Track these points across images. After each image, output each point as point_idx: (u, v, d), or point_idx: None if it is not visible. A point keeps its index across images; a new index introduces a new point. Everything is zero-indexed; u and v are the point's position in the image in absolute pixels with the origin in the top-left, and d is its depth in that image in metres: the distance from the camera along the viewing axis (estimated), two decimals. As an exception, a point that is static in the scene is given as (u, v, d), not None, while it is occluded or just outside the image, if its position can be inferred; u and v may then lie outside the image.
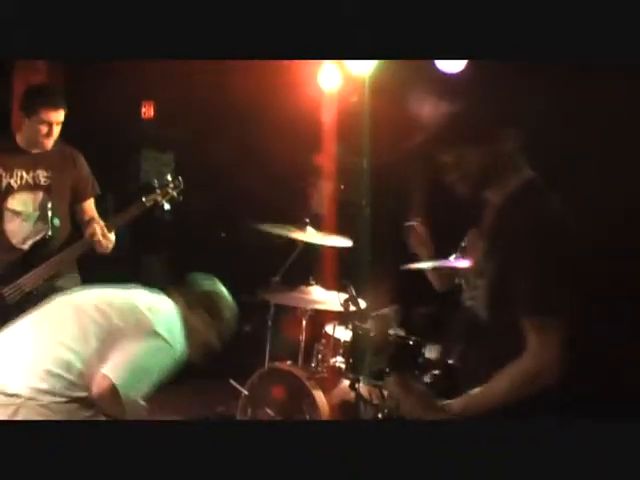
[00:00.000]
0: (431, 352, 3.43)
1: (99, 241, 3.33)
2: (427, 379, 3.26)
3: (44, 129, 3.30)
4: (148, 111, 4.55)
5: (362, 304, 3.54)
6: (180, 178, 3.53)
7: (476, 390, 2.05)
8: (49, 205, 3.43)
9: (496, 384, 2.00)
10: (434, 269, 2.81)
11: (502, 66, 2.36)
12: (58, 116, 3.31)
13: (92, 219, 3.48)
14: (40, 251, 3.40)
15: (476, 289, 2.22)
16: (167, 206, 3.51)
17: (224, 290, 2.72)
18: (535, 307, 1.93)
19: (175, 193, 3.49)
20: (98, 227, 3.34)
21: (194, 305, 2.63)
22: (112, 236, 3.40)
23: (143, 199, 3.44)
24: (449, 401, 2.10)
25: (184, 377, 3.99)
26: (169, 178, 3.50)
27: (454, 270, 2.77)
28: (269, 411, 3.55)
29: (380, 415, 3.36)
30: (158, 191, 3.48)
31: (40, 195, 3.44)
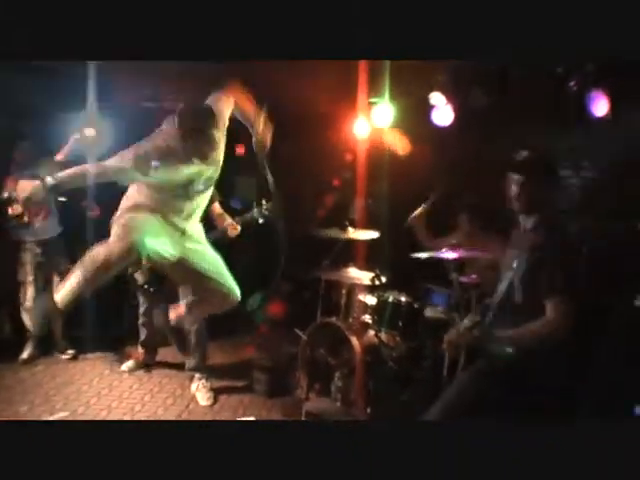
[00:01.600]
0: (431, 313, 4.49)
1: (232, 226, 4.60)
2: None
3: None
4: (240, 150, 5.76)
5: (383, 280, 4.58)
6: (267, 202, 4.65)
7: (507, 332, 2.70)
8: None
9: (519, 332, 2.65)
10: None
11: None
12: None
13: (221, 214, 4.67)
14: None
15: (504, 280, 2.91)
16: (261, 220, 4.71)
17: None
18: (553, 290, 2.63)
19: (267, 212, 4.67)
20: (229, 220, 4.57)
21: None
22: (239, 226, 4.63)
23: (254, 212, 4.64)
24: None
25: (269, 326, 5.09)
26: (264, 203, 4.66)
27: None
28: (321, 350, 4.51)
29: (394, 354, 4.33)
30: (257, 210, 4.67)
31: None
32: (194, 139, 3.22)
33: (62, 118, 5.22)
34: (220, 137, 3.41)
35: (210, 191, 3.66)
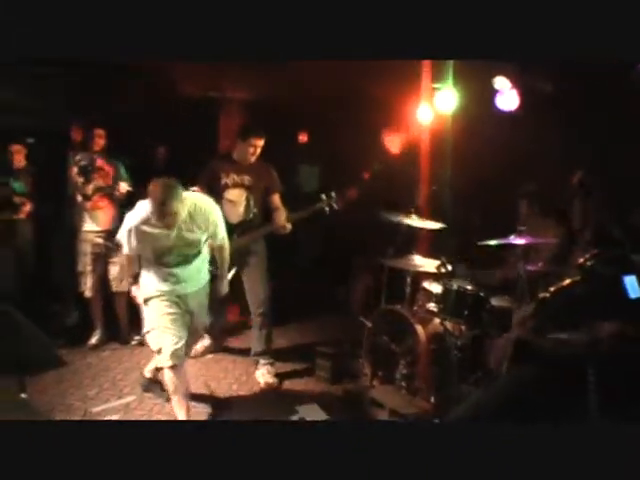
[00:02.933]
0: (497, 301, 4.39)
1: (283, 226, 4.68)
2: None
3: (252, 150, 4.61)
4: (303, 137, 5.76)
5: (449, 268, 4.50)
6: (334, 194, 4.71)
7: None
8: (250, 198, 4.71)
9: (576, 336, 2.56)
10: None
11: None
12: (261, 142, 4.61)
13: (278, 208, 4.74)
14: (244, 227, 4.68)
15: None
16: (327, 211, 4.73)
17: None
18: None
19: (334, 204, 4.72)
20: (284, 218, 4.64)
21: None
22: (289, 225, 4.70)
23: (316, 205, 4.69)
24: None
25: (330, 313, 5.12)
26: (332, 194, 4.71)
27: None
28: (385, 338, 4.54)
29: (459, 342, 4.27)
30: (324, 201, 4.71)
31: (245, 191, 4.70)
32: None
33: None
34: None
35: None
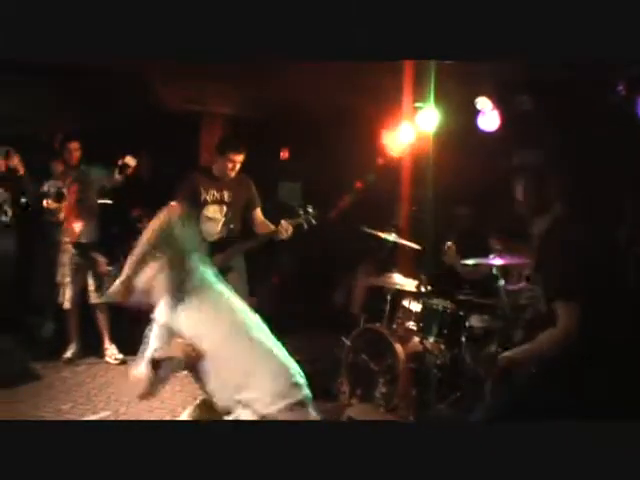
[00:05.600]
0: (474, 321, 4.38)
1: (286, 229, 4.46)
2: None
3: (230, 165, 4.54)
4: (284, 154, 5.76)
5: (429, 287, 4.53)
6: (312, 209, 4.59)
7: (524, 346, 2.67)
8: (229, 214, 4.65)
9: (536, 344, 2.56)
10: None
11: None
12: (239, 158, 4.55)
13: (262, 221, 4.68)
14: (222, 244, 4.57)
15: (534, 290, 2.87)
16: (306, 226, 4.60)
17: None
18: (565, 295, 2.47)
19: (312, 219, 4.59)
20: (284, 226, 4.47)
21: None
22: (290, 228, 4.50)
23: (300, 218, 4.55)
24: (506, 353, 2.66)
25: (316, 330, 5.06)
26: (309, 209, 4.60)
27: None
28: (364, 356, 4.49)
29: (438, 362, 4.25)
30: (302, 216, 4.58)
31: (224, 207, 4.64)
32: None
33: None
34: None
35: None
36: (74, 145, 5.35)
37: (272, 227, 4.59)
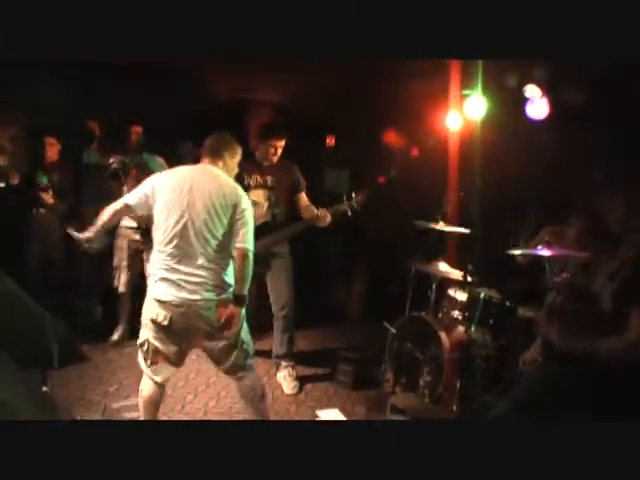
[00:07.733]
0: (524, 312, 4.29)
1: (324, 217, 4.50)
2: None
3: (272, 150, 4.58)
4: (330, 141, 5.73)
5: (475, 276, 4.47)
6: (359, 196, 4.58)
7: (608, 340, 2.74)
8: (273, 198, 4.68)
9: (608, 343, 2.71)
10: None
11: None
12: (281, 143, 4.58)
13: (307, 205, 4.65)
14: (266, 228, 4.54)
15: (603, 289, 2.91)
16: (350, 213, 4.59)
17: None
18: None
19: (356, 206, 4.58)
20: (322, 213, 4.50)
21: None
22: (329, 217, 4.52)
23: (344, 205, 4.55)
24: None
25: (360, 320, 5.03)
26: (354, 196, 4.57)
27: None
28: (409, 344, 4.46)
29: (483, 352, 4.21)
30: (346, 203, 4.56)
31: (267, 192, 4.66)
32: None
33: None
34: None
35: None
36: (136, 129, 5.44)
37: (316, 212, 4.58)
